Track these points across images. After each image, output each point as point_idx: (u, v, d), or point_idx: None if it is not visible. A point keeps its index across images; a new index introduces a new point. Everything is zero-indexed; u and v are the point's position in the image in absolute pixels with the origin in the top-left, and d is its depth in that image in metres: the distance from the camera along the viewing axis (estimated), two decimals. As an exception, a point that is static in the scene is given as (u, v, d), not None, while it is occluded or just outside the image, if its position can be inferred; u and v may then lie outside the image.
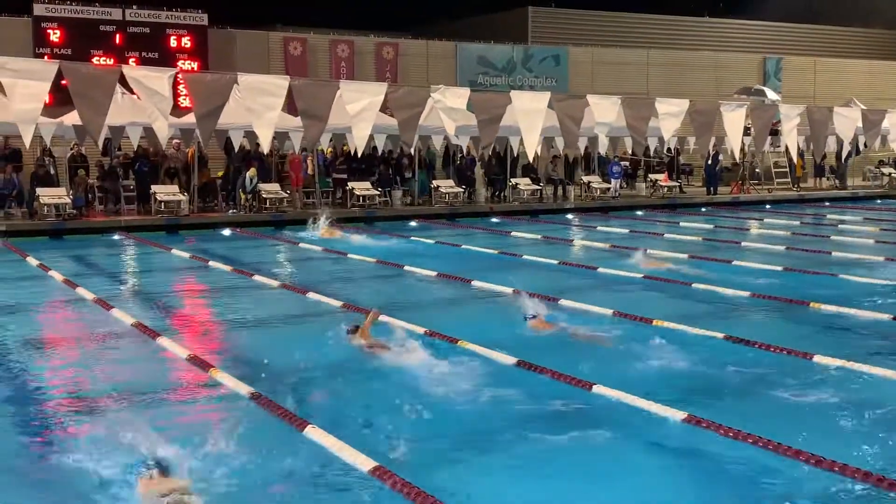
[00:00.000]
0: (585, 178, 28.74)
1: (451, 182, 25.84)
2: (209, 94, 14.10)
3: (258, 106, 14.28)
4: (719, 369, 8.45)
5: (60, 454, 6.31)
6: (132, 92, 19.38)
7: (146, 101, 13.73)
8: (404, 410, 7.02)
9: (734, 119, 19.87)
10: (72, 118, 19.96)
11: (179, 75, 18.21)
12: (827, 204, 29.12)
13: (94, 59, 26.70)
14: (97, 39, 27.90)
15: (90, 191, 22.63)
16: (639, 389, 7.39)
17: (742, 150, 28.92)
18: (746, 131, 23.36)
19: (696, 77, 38.34)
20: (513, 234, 20.07)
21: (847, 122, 22.42)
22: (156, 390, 7.79)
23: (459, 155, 27.19)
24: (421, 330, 9.66)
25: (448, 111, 16.04)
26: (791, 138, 20.89)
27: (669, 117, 19.18)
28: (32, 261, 15.40)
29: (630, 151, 28.17)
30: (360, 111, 15.10)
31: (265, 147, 19.68)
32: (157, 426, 6.50)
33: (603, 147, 26.46)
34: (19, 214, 21.11)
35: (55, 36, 27.42)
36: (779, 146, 30.11)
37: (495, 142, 25.39)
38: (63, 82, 16.97)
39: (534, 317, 10.03)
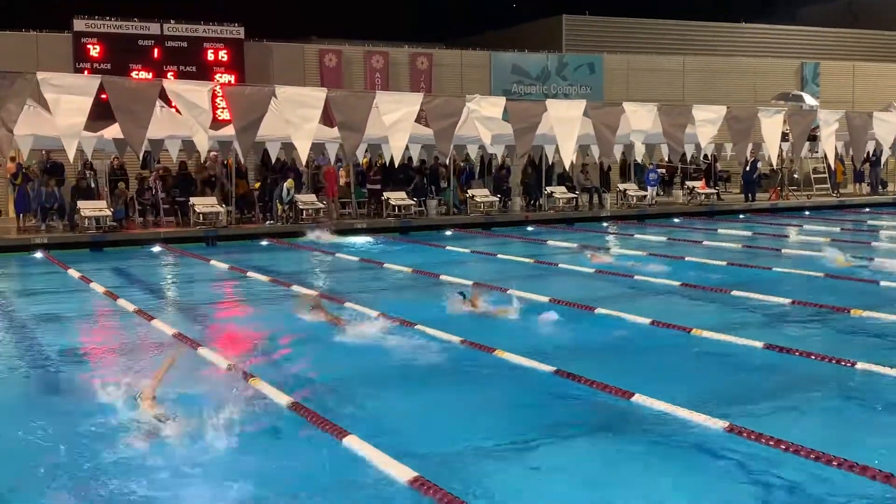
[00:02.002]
0: (622, 186, 28.60)
1: (486, 191, 25.84)
2: (248, 107, 14.24)
3: (296, 118, 14.39)
4: (758, 377, 8.36)
5: (107, 464, 6.38)
6: (171, 105, 19.62)
7: (186, 115, 13.89)
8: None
9: (772, 125, 19.68)
10: (112, 132, 20.27)
11: (217, 88, 18.40)
12: (867, 210, 28.71)
13: (133, 73, 27.13)
14: (136, 54, 28.32)
15: (130, 203, 22.93)
16: (682, 399, 7.33)
17: (780, 156, 28.65)
18: (784, 137, 23.11)
19: (733, 83, 38.04)
20: (548, 242, 20.02)
21: (888, 126, 22.10)
22: (195, 399, 7.85)
23: (495, 164, 27.18)
24: (457, 339, 9.68)
25: (483, 120, 16.06)
26: (829, 144, 20.63)
27: (707, 124, 19.03)
28: (74, 273, 15.62)
29: (666, 158, 28.00)
30: (396, 121, 15.17)
31: (303, 158, 19.84)
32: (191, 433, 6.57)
33: (639, 154, 26.33)
34: (60, 227, 21.45)
35: (95, 51, 27.88)
36: (817, 152, 29.75)
37: (531, 150, 25.43)
38: (103, 96, 17.24)
39: (462, 294, 11.18)
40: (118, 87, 13.80)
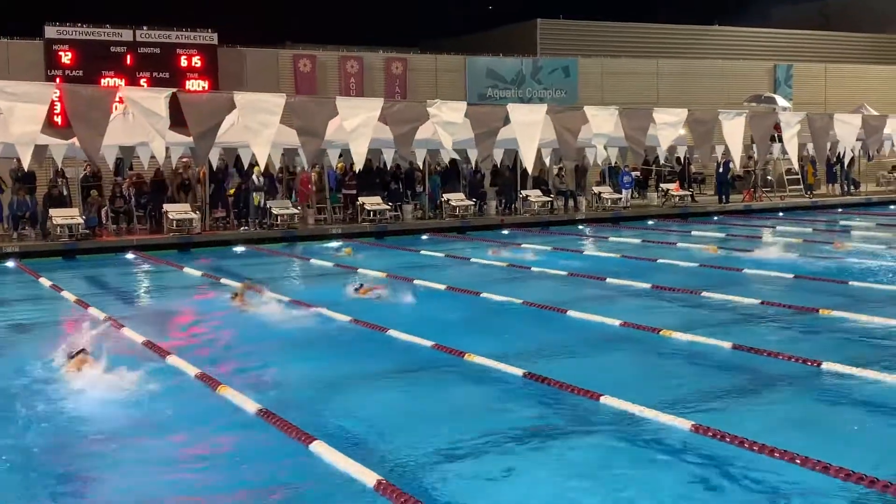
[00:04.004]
0: (596, 189, 28.73)
1: (461, 195, 25.88)
2: (205, 114, 14.18)
3: (255, 124, 14.33)
4: (726, 378, 8.43)
5: (70, 477, 6.36)
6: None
7: (144, 122, 13.84)
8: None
9: (734, 127, 19.77)
10: (82, 139, 20.14)
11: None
12: (840, 210, 28.98)
13: (105, 81, 26.94)
14: (108, 60, 28.13)
15: (103, 211, 22.78)
16: (649, 400, 7.38)
17: (751, 157, 28.84)
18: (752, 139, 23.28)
19: (707, 85, 38.27)
20: (523, 245, 20.08)
21: (849, 128, 22.27)
22: (163, 409, 7.83)
23: (469, 168, 27.20)
24: (429, 343, 9.70)
25: (445, 125, 16.05)
26: (792, 145, 20.75)
27: (667, 126, 19.07)
28: (45, 281, 15.50)
29: (626, 161, 28.13)
30: (356, 127, 15.13)
31: (261, 164, 19.81)
32: (164, 441, 6.55)
33: (602, 158, 26.42)
34: (32, 235, 21.28)
35: (67, 58, 27.68)
36: (787, 153, 29.98)
37: (503, 154, 25.44)
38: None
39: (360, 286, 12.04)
40: (74, 94, 13.67)
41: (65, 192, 22.75)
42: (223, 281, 15.04)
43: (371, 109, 15.55)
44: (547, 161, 27.07)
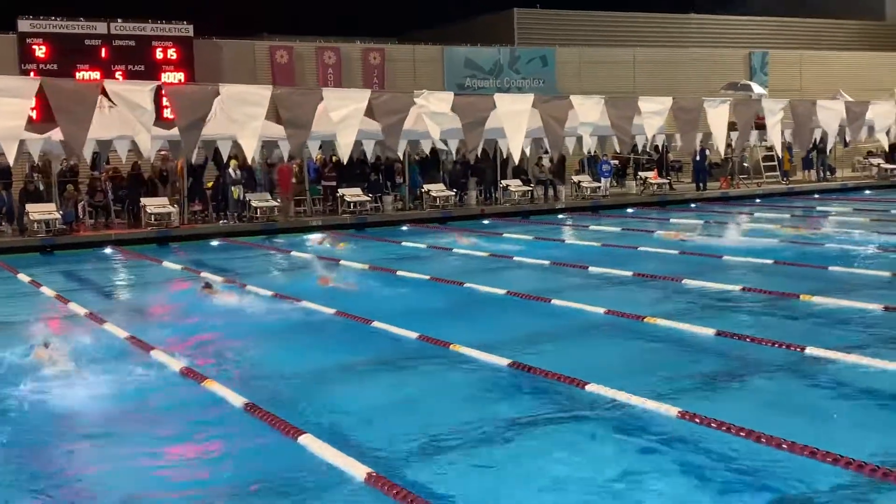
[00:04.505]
0: (576, 178, 28.80)
1: (441, 186, 25.86)
2: (191, 106, 14.08)
3: (241, 116, 14.25)
4: (710, 364, 8.49)
5: (50, 474, 6.32)
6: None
7: (128, 115, 13.71)
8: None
9: (718, 115, 19.90)
10: (59, 134, 19.92)
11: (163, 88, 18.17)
12: (816, 196, 29.21)
13: (80, 74, 26.68)
14: (83, 54, 27.86)
15: (80, 206, 22.58)
16: (635, 387, 7.41)
17: (729, 145, 28.98)
18: (732, 127, 23.41)
19: (684, 74, 38.40)
20: (504, 234, 20.10)
21: (831, 114, 22.47)
22: (149, 404, 7.79)
23: (451, 159, 27.15)
24: (414, 335, 9.70)
25: (432, 116, 16.05)
26: (775, 133, 20.93)
27: (653, 115, 19.19)
28: (24, 277, 15.37)
29: (618, 150, 28.20)
30: (344, 118, 15.08)
31: (249, 157, 19.71)
32: (149, 436, 6.52)
33: (587, 147, 26.48)
34: (9, 231, 21.08)
35: (41, 51, 27.38)
36: (766, 140, 30.15)
37: (483, 143, 25.42)
38: (50, 98, 16.92)
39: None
40: (58, 88, 13.54)
41: (41, 188, 22.53)
42: (203, 274, 14.97)
43: (358, 100, 15.53)
44: (527, 151, 27.09)
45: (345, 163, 21.25)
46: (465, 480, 5.88)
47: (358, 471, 5.74)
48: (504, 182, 26.73)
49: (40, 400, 7.92)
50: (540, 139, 25.81)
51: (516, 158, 21.39)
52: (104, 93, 15.34)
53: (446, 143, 24.77)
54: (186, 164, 22.79)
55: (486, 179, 27.05)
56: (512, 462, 6.17)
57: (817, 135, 25.68)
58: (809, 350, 8.49)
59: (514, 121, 17.01)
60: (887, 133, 26.74)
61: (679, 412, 6.72)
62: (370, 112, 16.52)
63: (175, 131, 20.65)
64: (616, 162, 30.46)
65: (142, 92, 13.84)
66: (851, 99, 27.78)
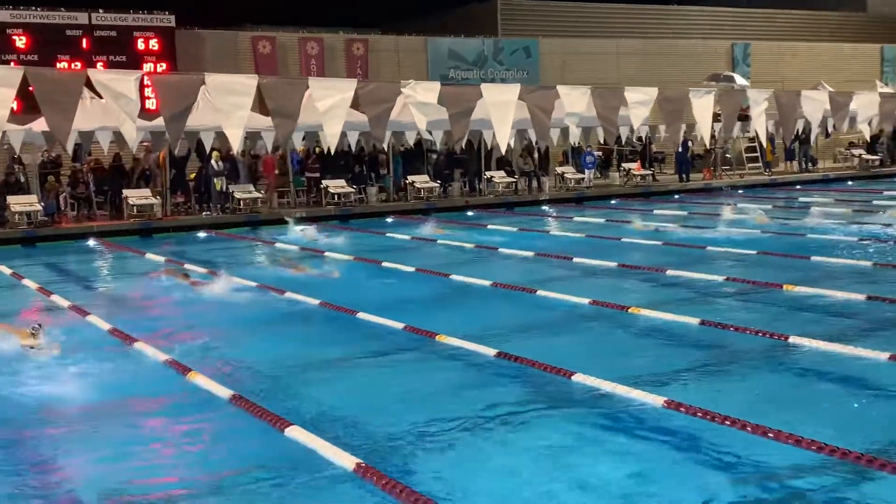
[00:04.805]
0: (559, 170, 28.84)
1: (425, 177, 25.83)
2: (177, 96, 14.00)
3: (227, 106, 14.19)
4: (695, 353, 8.53)
5: (36, 465, 6.28)
6: (101, 96, 19.22)
7: (113, 105, 13.62)
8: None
9: (703, 106, 20.01)
10: (40, 124, 19.76)
11: (146, 78, 18.06)
12: (798, 187, 29.37)
13: (62, 65, 26.45)
14: (64, 44, 27.61)
15: (62, 198, 22.43)
16: (621, 377, 7.44)
17: (713, 136, 29.08)
18: (717, 118, 23.52)
19: (667, 65, 38.46)
20: (489, 226, 20.12)
21: (815, 104, 22.62)
22: (133, 396, 7.76)
23: (436, 149, 27.13)
24: (400, 325, 9.70)
25: (419, 106, 16.04)
26: (760, 123, 21.05)
27: (639, 106, 19.28)
28: (5, 269, 15.26)
29: (602, 141, 28.28)
30: (330, 108, 15.05)
31: (234, 147, 19.61)
32: (134, 429, 6.49)
33: (574, 137, 26.51)
34: (-9, 223, 20.91)
35: (21, 42, 27.12)
36: (749, 131, 30.30)
37: (468, 135, 25.40)
38: (31, 88, 16.79)
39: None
40: (42, 78, 13.45)
41: (22, 179, 22.36)
42: (187, 266, 14.92)
43: (345, 90, 15.50)
44: (511, 142, 27.10)
45: (332, 153, 21.16)
46: (452, 470, 5.89)
47: (346, 461, 5.74)
48: (488, 173, 26.74)
49: (22, 392, 7.88)
50: (524, 130, 25.86)
51: (503, 149, 21.43)
52: (89, 82, 15.26)
53: (431, 134, 24.76)
54: (170, 155, 22.66)
55: (471, 171, 27.07)
56: (498, 452, 6.18)
57: (801, 125, 25.82)
58: (793, 339, 8.54)
59: (500, 111, 17.04)
60: (869, 124, 26.96)
61: (665, 401, 6.75)
62: (356, 102, 16.48)
63: (155, 122, 20.58)
64: (600, 153, 30.52)
65: (126, 81, 13.78)
66: (833, 90, 27.96)
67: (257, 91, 16.07)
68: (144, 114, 20.21)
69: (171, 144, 21.14)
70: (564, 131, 26.41)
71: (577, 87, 19.19)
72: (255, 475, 5.88)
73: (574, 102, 18.29)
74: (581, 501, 5.44)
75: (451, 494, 5.46)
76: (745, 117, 25.52)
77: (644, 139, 31.01)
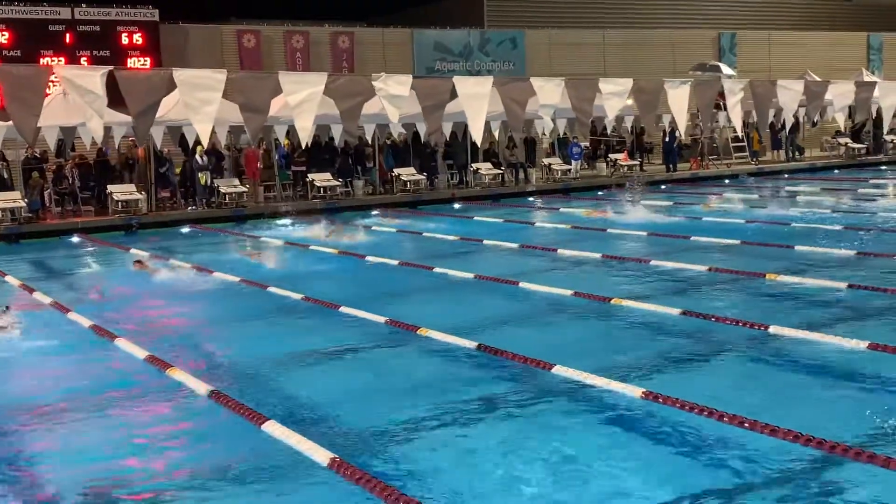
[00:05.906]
0: (546, 161, 28.81)
1: (412, 169, 25.78)
2: (144, 91, 13.93)
3: (195, 101, 14.12)
4: (676, 344, 8.53)
5: (10, 462, 6.25)
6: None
7: (79, 101, 13.54)
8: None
9: (678, 96, 20.01)
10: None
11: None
12: (786, 176, 29.40)
13: (44, 60, 26.26)
14: (47, 40, 27.42)
15: (46, 194, 22.30)
16: (601, 368, 7.44)
17: (697, 126, 29.09)
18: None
19: (653, 55, 38.42)
20: (475, 218, 20.09)
21: (791, 94, 22.63)
22: (112, 392, 7.72)
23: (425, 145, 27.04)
24: (382, 319, 9.68)
25: (391, 99, 15.97)
26: (735, 113, 21.06)
27: (613, 97, 19.26)
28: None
29: (575, 131, 28.24)
30: (300, 102, 14.98)
31: (204, 141, 19.49)
32: (113, 425, 6.46)
33: (550, 129, 26.46)
34: (-26, 220, 20.77)
35: (3, 37, 26.93)
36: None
37: (453, 126, 25.34)
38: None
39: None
40: (7, 74, 13.37)
41: (5, 176, 22.21)
42: (171, 261, 14.84)
43: (315, 84, 15.42)
44: (497, 133, 27.08)
45: (305, 147, 21.06)
46: (429, 464, 5.88)
47: (321, 456, 5.72)
48: (475, 165, 26.69)
49: (2, 389, 7.84)
50: (507, 121, 25.80)
51: (478, 141, 21.43)
52: (51, 78, 15.10)
53: (404, 128, 24.66)
54: (153, 150, 22.54)
55: (458, 163, 27.02)
56: (479, 445, 6.17)
57: (783, 115, 25.81)
58: (773, 329, 8.55)
59: (474, 104, 16.98)
60: (850, 114, 26.96)
61: (643, 392, 6.75)
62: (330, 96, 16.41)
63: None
64: (587, 145, 30.49)
65: (92, 77, 13.68)
66: (819, 79, 27.97)
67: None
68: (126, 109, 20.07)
69: (137, 140, 20.90)
70: (538, 124, 26.33)
71: (552, 78, 19.13)
72: (230, 469, 5.86)
73: (548, 94, 18.24)
74: (559, 491, 5.43)
75: (428, 488, 5.45)
76: (722, 107, 25.51)
77: (632, 130, 30.98)
